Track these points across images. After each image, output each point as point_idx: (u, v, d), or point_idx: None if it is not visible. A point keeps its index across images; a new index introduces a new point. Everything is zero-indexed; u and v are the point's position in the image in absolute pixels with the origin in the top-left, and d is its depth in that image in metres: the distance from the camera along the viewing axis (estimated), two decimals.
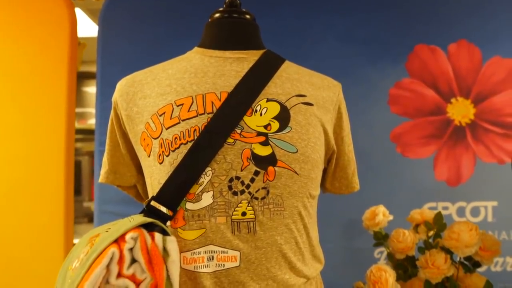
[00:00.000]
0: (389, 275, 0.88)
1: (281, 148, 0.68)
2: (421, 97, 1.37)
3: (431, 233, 1.02)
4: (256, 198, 0.66)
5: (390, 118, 1.36)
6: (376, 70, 1.37)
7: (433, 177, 1.35)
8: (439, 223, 1.01)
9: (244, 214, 0.66)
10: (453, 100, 1.38)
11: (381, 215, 1.08)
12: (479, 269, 1.31)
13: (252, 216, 0.66)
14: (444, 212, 1.35)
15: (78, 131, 1.97)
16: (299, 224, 0.70)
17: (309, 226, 0.72)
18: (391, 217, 1.10)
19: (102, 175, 0.82)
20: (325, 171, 0.82)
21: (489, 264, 0.97)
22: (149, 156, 0.71)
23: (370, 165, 1.31)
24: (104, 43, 1.43)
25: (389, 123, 1.35)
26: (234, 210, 0.65)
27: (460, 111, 1.37)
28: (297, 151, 0.68)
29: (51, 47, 1.49)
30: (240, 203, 0.66)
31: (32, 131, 1.50)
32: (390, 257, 1.07)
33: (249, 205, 0.66)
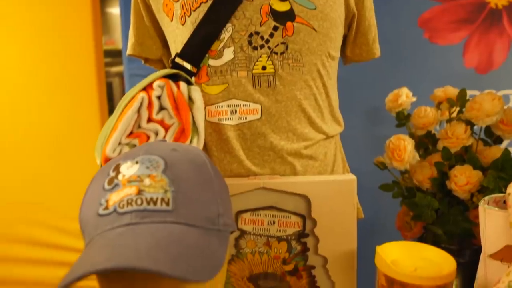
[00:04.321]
0: (407, 143, 0.91)
1: (300, 4, 0.68)
2: None
3: (453, 110, 1.02)
4: (276, 53, 0.68)
5: (418, 3, 1.30)
6: None
7: (462, 64, 1.32)
8: (462, 100, 1.01)
9: (264, 68, 0.68)
10: None
11: (404, 96, 1.09)
12: None
13: (272, 70, 0.68)
14: None
15: (106, 53, 1.95)
16: (318, 82, 0.72)
17: (328, 86, 0.74)
18: (414, 99, 1.10)
19: (129, 47, 0.85)
20: (345, 39, 0.82)
21: (511, 139, 0.98)
22: (172, 21, 0.73)
23: (395, 52, 1.28)
24: None
25: (417, 8, 1.30)
26: (255, 65, 0.68)
27: None
28: (315, 8, 0.69)
29: None
30: (260, 57, 0.68)
31: (63, 53, 1.49)
32: (412, 136, 1.09)
33: (269, 59, 0.68)
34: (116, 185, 0.42)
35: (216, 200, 0.44)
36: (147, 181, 0.41)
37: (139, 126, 0.64)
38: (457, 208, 0.92)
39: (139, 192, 0.40)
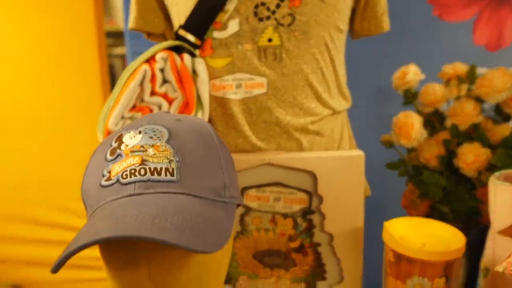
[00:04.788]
0: (415, 120, 0.89)
1: None
2: None
3: (462, 87, 1.00)
4: (282, 25, 0.66)
5: None
6: None
7: (471, 42, 1.29)
8: (471, 77, 0.98)
9: (270, 40, 0.66)
10: None
11: (412, 73, 1.06)
12: None
13: (278, 42, 0.66)
14: None
15: (107, 35, 1.89)
16: (325, 55, 0.70)
17: (335, 60, 0.72)
18: (422, 77, 1.08)
19: (131, 21, 0.83)
20: (353, 12, 0.80)
21: None
22: None
23: (403, 29, 1.25)
24: None
25: None
26: (260, 37, 0.66)
27: None
28: None
29: None
30: (266, 29, 0.66)
31: (64, 35, 1.45)
32: (419, 114, 1.07)
33: (275, 31, 0.66)
34: (119, 155, 0.40)
35: (222, 171, 0.43)
36: (150, 151, 0.40)
37: (142, 100, 0.63)
38: (464, 186, 0.91)
39: (143, 162, 0.39)
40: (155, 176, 0.39)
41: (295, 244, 0.71)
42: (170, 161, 0.39)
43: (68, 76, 1.50)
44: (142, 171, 0.39)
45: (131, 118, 0.61)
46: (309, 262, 0.72)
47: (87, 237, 0.34)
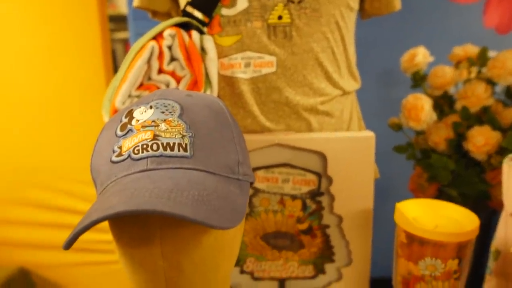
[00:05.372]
0: (425, 101, 0.88)
1: None
2: None
3: (472, 69, 0.98)
4: (292, 2, 0.64)
5: None
6: None
7: (481, 24, 1.27)
8: (482, 59, 0.97)
9: (280, 17, 0.64)
10: None
11: (420, 55, 1.04)
12: None
13: (288, 20, 0.64)
14: None
15: (109, 19, 1.85)
16: (336, 34, 0.68)
17: (346, 39, 0.71)
18: (431, 59, 1.06)
19: None
20: None
21: None
22: None
23: (412, 10, 1.23)
24: None
25: None
26: (270, 14, 0.64)
27: None
28: None
29: None
30: (276, 6, 0.64)
31: (67, 19, 1.42)
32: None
33: (285, 8, 0.64)
34: (130, 130, 0.39)
35: (235, 148, 0.42)
36: (162, 126, 0.38)
37: (149, 78, 0.61)
38: (474, 169, 0.90)
39: (155, 137, 0.38)
40: (168, 152, 0.38)
41: (303, 226, 0.70)
42: (183, 136, 0.38)
43: (70, 60, 1.48)
44: (155, 146, 0.38)
45: (138, 96, 0.60)
46: (318, 244, 0.71)
47: (100, 212, 0.33)
